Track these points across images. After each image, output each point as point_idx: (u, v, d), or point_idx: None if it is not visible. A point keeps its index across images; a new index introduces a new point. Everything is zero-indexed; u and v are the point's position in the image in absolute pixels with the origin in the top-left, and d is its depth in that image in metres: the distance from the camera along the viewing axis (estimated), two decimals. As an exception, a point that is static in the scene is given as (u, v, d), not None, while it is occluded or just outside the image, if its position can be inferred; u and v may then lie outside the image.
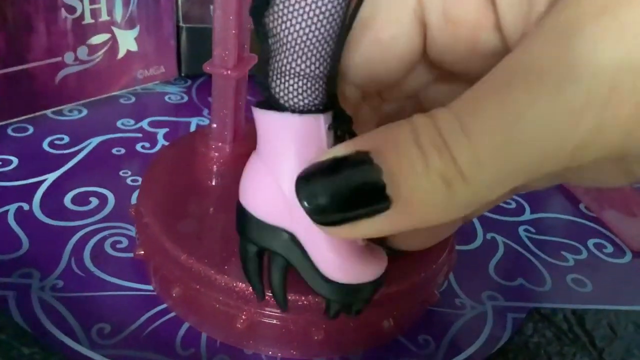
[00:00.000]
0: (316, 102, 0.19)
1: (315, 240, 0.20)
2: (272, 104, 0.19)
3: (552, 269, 0.34)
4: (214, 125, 0.28)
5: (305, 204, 0.17)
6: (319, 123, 0.19)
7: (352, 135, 0.20)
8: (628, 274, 0.34)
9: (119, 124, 0.39)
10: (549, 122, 0.15)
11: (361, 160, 0.16)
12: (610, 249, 0.36)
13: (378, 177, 0.16)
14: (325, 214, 0.17)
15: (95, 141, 0.37)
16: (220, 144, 0.29)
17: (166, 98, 0.43)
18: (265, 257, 0.22)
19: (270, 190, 0.20)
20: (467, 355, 0.27)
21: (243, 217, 0.21)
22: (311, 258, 0.20)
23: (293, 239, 0.20)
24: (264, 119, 0.19)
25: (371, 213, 0.16)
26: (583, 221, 0.38)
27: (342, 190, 0.16)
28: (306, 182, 0.17)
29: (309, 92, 0.19)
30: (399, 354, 0.27)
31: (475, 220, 0.36)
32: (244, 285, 0.24)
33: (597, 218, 0.39)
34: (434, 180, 0.16)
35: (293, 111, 0.19)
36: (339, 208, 0.17)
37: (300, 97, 0.19)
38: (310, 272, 0.21)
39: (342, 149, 0.17)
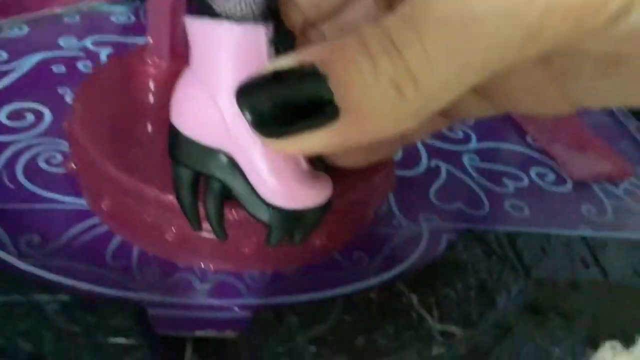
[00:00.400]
0: (255, 10, 0.18)
1: (255, 163, 0.19)
2: (207, 11, 0.18)
3: (491, 195, 0.34)
4: (151, 40, 0.28)
5: (248, 114, 0.16)
6: (259, 34, 0.18)
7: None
8: (567, 201, 0.35)
9: (60, 42, 0.38)
10: (500, 5, 0.14)
11: (306, 71, 0.15)
12: (551, 177, 0.37)
13: (325, 87, 0.15)
14: (270, 126, 0.16)
15: (35, 58, 0.36)
16: (157, 59, 0.28)
17: (112, 18, 0.41)
18: (201, 184, 0.21)
19: (206, 107, 0.18)
20: (398, 272, 0.28)
21: (175, 139, 0.19)
22: (251, 182, 0.19)
23: (231, 161, 0.19)
24: (198, 28, 0.18)
25: (318, 125, 0.16)
26: (528, 151, 0.39)
27: (287, 100, 0.16)
28: (248, 91, 0.16)
29: None
30: (332, 269, 0.27)
31: (420, 147, 0.36)
32: (172, 197, 0.24)
33: (543, 149, 0.39)
34: (384, 87, 0.15)
35: (228, 18, 0.17)
36: (285, 119, 0.16)
37: (238, 4, 0.17)
38: (250, 198, 0.19)
39: (285, 61, 0.16)
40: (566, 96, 0.21)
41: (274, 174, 0.19)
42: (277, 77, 0.16)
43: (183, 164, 0.20)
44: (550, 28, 0.15)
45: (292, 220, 0.20)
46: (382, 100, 0.15)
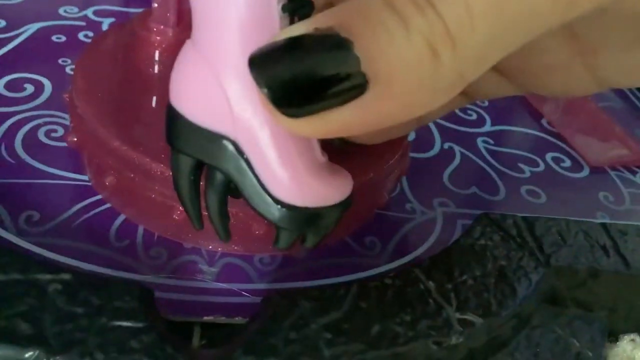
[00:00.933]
0: None
1: (264, 152, 0.16)
2: None
3: (507, 180, 0.33)
4: (155, 5, 0.26)
5: (266, 90, 0.14)
6: (270, 0, 0.15)
7: None
8: (583, 187, 0.34)
9: (61, 11, 0.37)
10: None
11: (327, 37, 0.13)
12: (568, 163, 0.36)
13: (350, 54, 0.13)
14: (291, 102, 0.14)
15: (34, 27, 0.35)
16: (162, 27, 0.26)
17: (115, -13, 0.40)
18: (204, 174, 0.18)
19: (209, 87, 0.16)
20: (412, 258, 0.27)
21: (174, 123, 0.17)
22: (259, 175, 0.16)
23: (237, 150, 0.16)
24: None
25: (345, 99, 0.14)
26: (544, 135, 0.38)
27: (308, 72, 0.13)
28: (263, 62, 0.14)
29: None
30: (345, 254, 0.26)
31: (434, 130, 0.35)
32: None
33: (559, 134, 0.38)
34: (418, 47, 0.13)
35: None
36: (306, 94, 0.14)
37: None
38: (257, 193, 0.17)
39: (299, 27, 0.14)
40: (593, 74, 0.20)
41: (285, 165, 0.16)
42: (292, 46, 0.14)
43: (182, 151, 0.17)
44: None
45: (305, 220, 0.17)
46: (416, 66, 0.13)
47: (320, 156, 0.17)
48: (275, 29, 0.15)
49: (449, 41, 0.13)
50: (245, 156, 0.16)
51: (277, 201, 0.17)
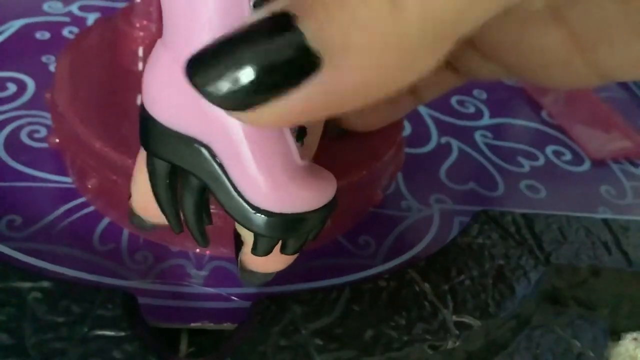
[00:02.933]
0: None
1: (238, 156, 0.15)
2: None
3: (506, 175, 0.32)
4: (138, 0, 0.25)
5: (209, 91, 0.12)
6: None
7: None
8: (584, 182, 0.33)
9: (45, 7, 0.36)
10: None
11: (277, 22, 0.12)
12: (569, 156, 0.35)
13: (289, 25, 0.12)
14: (239, 98, 0.12)
15: (17, 24, 0.34)
16: (145, 22, 0.25)
17: (101, -19, 0.39)
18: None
19: (179, 87, 0.15)
20: (407, 258, 0.26)
21: (147, 126, 0.16)
22: (233, 181, 0.16)
23: (211, 153, 0.16)
24: None
25: (296, 79, 0.12)
26: (544, 128, 0.37)
27: (255, 62, 0.12)
28: (205, 60, 0.13)
29: None
30: (338, 255, 0.26)
31: (430, 124, 0.34)
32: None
33: (559, 126, 0.37)
34: (372, 1, 0.12)
35: None
36: (254, 84, 0.12)
37: None
38: (232, 199, 0.16)
39: (254, 16, 0.13)
40: (594, 69, 0.19)
41: (261, 169, 0.15)
42: (225, 43, 0.12)
43: (157, 155, 0.16)
44: None
45: (285, 227, 0.16)
46: (374, 23, 0.12)
47: (298, 159, 0.16)
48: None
49: (416, 9, 0.12)
50: (219, 161, 0.16)
51: (252, 207, 0.16)
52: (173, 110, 0.15)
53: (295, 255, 0.19)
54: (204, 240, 0.18)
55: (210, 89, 0.12)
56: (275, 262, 0.19)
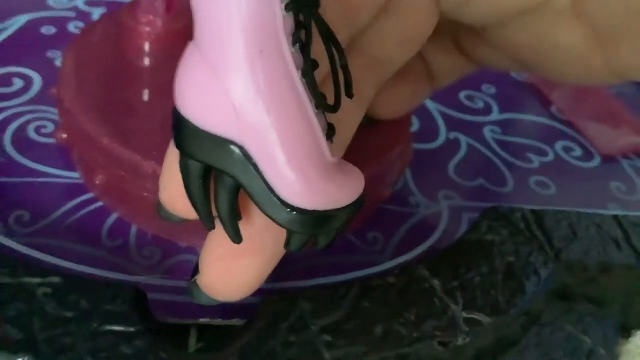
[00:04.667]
0: None
1: (271, 155, 0.16)
2: None
3: (515, 170, 0.32)
4: (144, -6, 0.25)
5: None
6: (273, 2, 0.14)
7: (320, 22, 0.15)
8: (595, 177, 0.33)
9: (50, 1, 0.35)
10: None
11: None
12: (578, 152, 0.34)
13: None
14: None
15: (22, 19, 0.34)
16: (151, 17, 0.25)
17: (107, -24, 0.39)
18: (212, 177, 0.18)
19: (213, 90, 0.16)
20: (416, 254, 0.26)
21: (181, 127, 0.17)
22: (267, 179, 0.16)
23: (244, 154, 0.16)
24: None
25: None
26: (553, 123, 0.36)
27: None
28: None
29: None
30: (346, 251, 0.25)
31: (439, 119, 0.34)
32: (173, 171, 0.22)
33: (569, 121, 0.37)
34: None
35: None
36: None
37: None
38: (266, 197, 0.16)
39: None
40: (612, 68, 0.19)
41: (293, 168, 0.16)
42: None
43: (191, 156, 0.17)
44: None
45: (316, 223, 0.17)
46: None
47: (329, 156, 0.17)
48: (278, 29, 0.15)
49: None
50: (252, 160, 0.16)
51: (286, 204, 0.16)
52: (207, 113, 0.16)
53: (252, 288, 0.19)
54: (238, 237, 0.18)
55: None
56: (231, 291, 0.19)
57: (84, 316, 0.20)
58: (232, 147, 0.16)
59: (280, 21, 0.15)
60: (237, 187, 0.17)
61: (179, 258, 0.24)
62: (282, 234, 0.18)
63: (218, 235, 0.18)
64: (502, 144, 0.33)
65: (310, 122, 0.15)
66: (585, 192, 0.32)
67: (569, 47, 0.19)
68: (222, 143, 0.16)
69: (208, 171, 0.17)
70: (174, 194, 0.18)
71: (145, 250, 0.24)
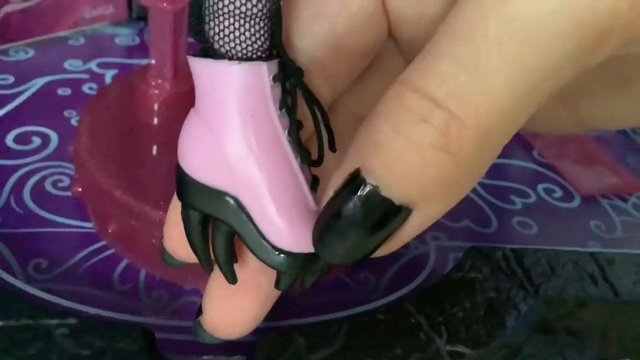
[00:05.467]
0: (257, 47, 0.17)
1: (262, 206, 0.18)
2: (208, 50, 0.17)
3: (499, 212, 0.34)
4: (153, 61, 0.28)
5: (334, 260, 0.16)
6: (262, 73, 0.17)
7: (304, 90, 0.18)
8: (575, 217, 0.35)
9: (66, 65, 0.38)
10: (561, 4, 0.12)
11: (357, 184, 0.15)
12: (559, 193, 0.37)
13: (379, 196, 0.15)
14: (355, 256, 0.16)
15: (40, 82, 0.37)
16: (160, 81, 0.28)
17: (117, 40, 0.42)
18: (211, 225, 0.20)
19: (211, 150, 0.18)
20: (405, 292, 0.28)
21: (182, 180, 0.19)
22: (258, 226, 0.18)
23: (238, 204, 0.18)
24: (200, 69, 0.17)
25: (396, 227, 0.15)
26: (535, 167, 0.39)
27: (355, 230, 0.15)
28: (321, 240, 0.16)
29: (247, 34, 0.17)
30: (339, 290, 0.27)
31: (427, 165, 0.36)
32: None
33: (550, 164, 0.39)
34: (438, 163, 0.14)
35: (230, 58, 0.17)
36: (362, 245, 0.16)
37: (237, 40, 0.17)
38: (257, 241, 0.18)
39: (336, 181, 0.16)
40: (576, 118, 0.21)
41: (281, 216, 0.18)
42: (336, 207, 0.16)
43: (191, 206, 0.19)
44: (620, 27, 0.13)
45: (303, 264, 0.18)
46: (442, 174, 0.14)
47: (313, 205, 0.19)
48: (266, 96, 0.17)
49: (468, 134, 0.13)
50: (245, 209, 0.18)
51: (275, 248, 0.18)
52: (205, 168, 0.18)
53: (251, 327, 0.21)
54: (234, 278, 0.20)
55: (332, 258, 0.16)
56: (233, 329, 0.21)
57: (98, 354, 0.22)
58: (227, 198, 0.18)
59: (269, 90, 0.17)
60: (232, 234, 0.19)
61: (185, 300, 0.25)
62: (275, 275, 0.20)
63: (218, 278, 0.20)
64: (487, 187, 0.36)
65: (295, 175, 0.18)
66: (566, 231, 0.34)
67: None
68: (219, 195, 0.18)
69: (206, 220, 0.19)
70: (176, 241, 0.20)
71: (153, 293, 0.26)
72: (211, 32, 0.17)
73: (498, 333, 0.25)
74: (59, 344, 0.22)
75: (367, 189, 0.15)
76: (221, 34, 0.17)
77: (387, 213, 0.15)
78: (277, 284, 0.20)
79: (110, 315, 0.24)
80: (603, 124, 0.22)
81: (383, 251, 0.16)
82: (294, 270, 0.19)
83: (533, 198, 0.36)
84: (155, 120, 0.29)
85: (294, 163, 0.18)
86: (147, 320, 0.24)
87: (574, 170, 0.39)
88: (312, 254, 0.18)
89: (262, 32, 0.17)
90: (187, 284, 0.26)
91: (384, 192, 0.14)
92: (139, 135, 0.28)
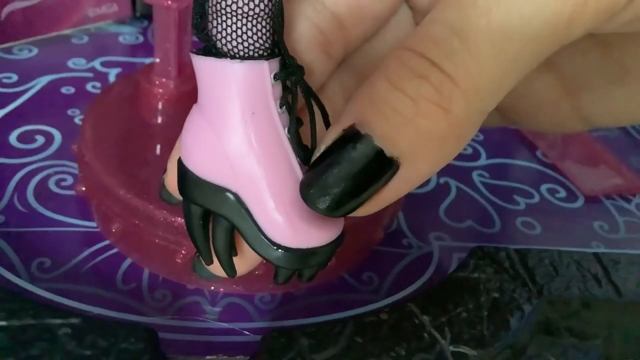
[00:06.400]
0: (258, 46, 0.17)
1: (260, 200, 0.18)
2: (211, 49, 0.17)
3: (502, 212, 0.34)
4: (157, 60, 0.28)
5: (320, 207, 0.16)
6: (263, 71, 0.17)
7: (305, 87, 0.18)
8: (578, 217, 0.35)
9: (69, 63, 0.38)
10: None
11: (350, 137, 0.15)
12: (563, 193, 0.37)
13: (372, 146, 0.15)
14: (342, 207, 0.16)
15: (44, 80, 0.37)
16: (164, 79, 0.28)
17: (120, 38, 0.42)
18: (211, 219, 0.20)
19: (212, 146, 0.18)
20: (408, 292, 0.28)
21: (184, 176, 0.19)
22: (257, 221, 0.18)
23: (238, 200, 0.18)
24: (202, 66, 0.18)
25: (384, 182, 0.15)
26: (538, 167, 0.38)
27: (345, 179, 0.16)
28: (308, 186, 0.16)
29: (249, 33, 0.17)
30: (343, 291, 0.27)
31: (430, 164, 0.36)
32: (182, 220, 0.24)
33: (553, 165, 0.39)
34: (429, 114, 0.14)
35: (232, 57, 0.17)
36: (350, 195, 0.16)
37: (239, 39, 0.17)
38: (257, 237, 0.18)
39: (331, 135, 0.16)
40: (579, 114, 0.21)
41: (280, 212, 0.18)
42: (328, 156, 0.16)
43: (192, 201, 0.19)
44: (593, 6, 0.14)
45: (300, 259, 0.19)
46: (434, 130, 0.15)
47: None
48: (267, 94, 0.17)
49: (459, 93, 0.14)
50: (245, 205, 0.18)
51: (273, 243, 0.18)
52: (207, 165, 0.18)
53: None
54: (232, 270, 0.20)
55: (318, 205, 0.16)
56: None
57: (102, 354, 0.22)
58: (228, 194, 0.18)
59: (270, 88, 0.17)
60: (232, 228, 0.19)
61: (187, 300, 0.25)
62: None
63: None
64: (490, 188, 0.36)
65: (295, 172, 0.18)
66: (570, 231, 0.34)
67: (540, 90, 0.21)
68: (219, 190, 0.18)
69: (207, 214, 0.19)
70: (174, 178, 0.20)
71: (156, 293, 0.26)
72: (214, 31, 0.17)
73: (501, 333, 0.25)
74: (62, 343, 0.22)
75: (361, 138, 0.15)
76: (223, 33, 0.17)
77: (377, 164, 0.15)
78: (275, 278, 0.20)
79: (114, 314, 0.24)
80: (605, 120, 0.22)
81: (367, 208, 0.16)
82: (292, 265, 0.19)
83: (536, 198, 0.36)
84: (159, 119, 0.29)
85: (293, 160, 0.18)
86: (150, 319, 0.24)
87: (577, 170, 0.38)
88: (311, 249, 0.19)
89: (264, 31, 0.17)
90: (190, 283, 0.26)
91: (377, 142, 0.15)
92: (142, 134, 0.28)
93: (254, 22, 0.17)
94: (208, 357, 0.24)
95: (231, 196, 0.18)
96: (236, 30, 0.17)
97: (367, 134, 0.15)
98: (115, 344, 0.22)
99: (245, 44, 0.17)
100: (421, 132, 0.15)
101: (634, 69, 0.19)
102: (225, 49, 0.17)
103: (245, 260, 0.20)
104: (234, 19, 0.17)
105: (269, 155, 0.17)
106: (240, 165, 0.17)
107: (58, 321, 0.23)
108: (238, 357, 0.24)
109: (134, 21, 0.43)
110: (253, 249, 0.19)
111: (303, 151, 0.18)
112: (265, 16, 0.17)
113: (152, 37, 0.42)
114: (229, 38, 0.17)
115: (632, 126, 0.44)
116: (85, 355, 0.22)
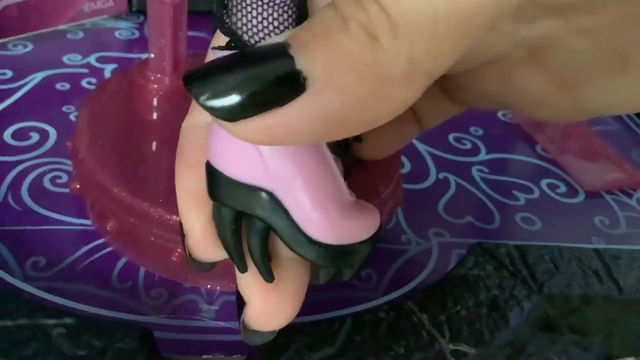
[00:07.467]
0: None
1: (297, 199, 0.17)
2: (233, 42, 0.16)
3: (502, 208, 0.34)
4: (152, 56, 0.27)
5: (201, 101, 0.14)
6: None
7: None
8: (578, 213, 0.35)
9: (65, 59, 0.38)
10: None
11: (272, 47, 0.14)
12: (563, 189, 0.36)
13: (282, 51, 0.14)
14: (223, 103, 0.14)
15: (39, 76, 0.36)
16: (158, 75, 0.28)
17: (116, 34, 0.41)
18: (243, 222, 0.19)
19: (243, 146, 0.17)
20: (407, 289, 0.27)
21: (213, 179, 0.18)
22: (294, 220, 0.18)
23: (272, 199, 0.18)
24: None
25: (284, 98, 0.14)
26: (538, 162, 0.38)
27: (241, 77, 0.14)
28: (199, 80, 0.14)
29: (275, 23, 0.16)
30: (341, 288, 0.27)
31: (429, 160, 0.36)
32: (177, 217, 0.24)
33: (553, 159, 0.38)
34: (355, 35, 0.13)
35: None
36: (245, 104, 0.14)
37: (266, 30, 0.16)
38: (294, 236, 0.18)
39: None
40: (580, 106, 0.21)
41: (317, 209, 0.17)
42: (228, 63, 0.14)
43: (223, 203, 0.19)
44: None
45: (341, 256, 0.18)
46: (354, 53, 0.13)
47: (348, 196, 0.18)
48: None
49: (387, 23, 0.13)
50: (280, 204, 0.18)
51: (313, 242, 0.18)
52: (237, 164, 0.18)
53: (294, 314, 0.20)
54: (270, 276, 0.19)
55: (206, 102, 0.14)
56: (277, 319, 0.20)
57: (97, 354, 0.22)
58: (262, 194, 0.18)
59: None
60: (267, 230, 0.18)
61: (184, 298, 0.25)
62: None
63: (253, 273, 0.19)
64: (490, 183, 0.35)
65: (329, 167, 0.17)
66: (570, 227, 0.33)
67: (535, 91, 0.21)
68: (252, 190, 0.18)
69: (238, 219, 0.19)
70: (200, 244, 0.20)
71: (152, 291, 0.25)
72: (238, 23, 0.16)
73: (501, 331, 0.25)
74: (56, 344, 0.22)
75: (275, 40, 0.14)
76: (249, 25, 0.16)
77: (283, 74, 0.14)
78: (316, 279, 0.20)
79: (109, 313, 0.24)
80: (610, 110, 0.22)
81: (260, 131, 0.14)
82: (332, 263, 0.18)
83: (536, 194, 0.35)
84: (155, 115, 0.28)
85: (328, 155, 0.17)
86: (145, 319, 0.24)
87: (577, 165, 0.38)
88: (351, 245, 0.18)
89: (290, 20, 0.16)
90: (187, 281, 0.26)
91: (291, 50, 0.14)
92: (138, 130, 0.28)
93: (280, 11, 0.16)
94: (205, 356, 0.23)
95: (265, 195, 0.18)
96: (262, 21, 0.16)
97: (286, 42, 0.14)
98: (110, 344, 0.22)
99: (273, 35, 0.16)
100: (341, 50, 0.13)
101: (632, 56, 0.18)
102: (252, 41, 0.16)
103: (279, 264, 0.19)
104: (260, 9, 0.16)
105: (302, 151, 0.17)
106: (274, 163, 0.17)
107: (52, 321, 0.22)
108: (235, 356, 0.23)
109: (130, 16, 0.43)
110: (291, 249, 0.18)
111: (335, 145, 0.17)
112: (291, 4, 0.16)
113: (147, 33, 0.42)
114: (254, 30, 0.16)
115: (631, 120, 0.44)
116: (79, 356, 0.21)
